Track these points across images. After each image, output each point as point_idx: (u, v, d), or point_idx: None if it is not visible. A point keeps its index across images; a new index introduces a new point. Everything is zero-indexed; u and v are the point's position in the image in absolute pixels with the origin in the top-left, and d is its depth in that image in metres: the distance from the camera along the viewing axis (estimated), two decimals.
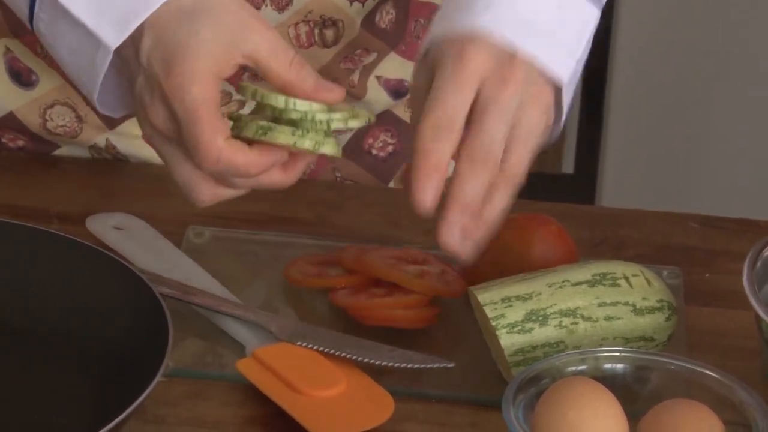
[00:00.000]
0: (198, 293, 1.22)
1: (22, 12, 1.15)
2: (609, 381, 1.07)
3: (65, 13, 1.12)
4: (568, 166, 3.09)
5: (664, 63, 3.00)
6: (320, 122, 1.10)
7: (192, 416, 1.13)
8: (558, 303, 1.15)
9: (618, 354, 1.12)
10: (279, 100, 1.10)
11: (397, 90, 1.46)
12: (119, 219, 1.31)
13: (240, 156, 1.08)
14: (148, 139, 1.14)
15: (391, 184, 1.50)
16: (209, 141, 1.07)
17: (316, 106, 1.10)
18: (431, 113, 1.09)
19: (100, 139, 1.43)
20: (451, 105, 1.10)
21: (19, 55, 1.40)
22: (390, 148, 1.49)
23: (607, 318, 1.15)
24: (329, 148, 1.11)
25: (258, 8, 1.36)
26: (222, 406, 1.14)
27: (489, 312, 1.14)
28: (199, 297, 1.22)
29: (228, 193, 1.13)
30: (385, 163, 1.50)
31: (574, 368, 1.10)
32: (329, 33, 1.37)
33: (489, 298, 1.15)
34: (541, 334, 1.15)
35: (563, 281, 1.16)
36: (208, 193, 1.12)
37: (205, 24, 1.09)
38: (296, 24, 1.38)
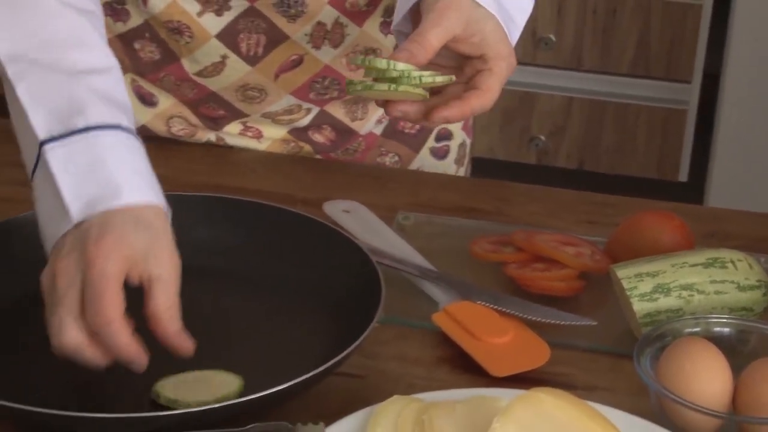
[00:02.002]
0: (404, 262, 1.22)
1: (28, 164, 1.08)
2: (717, 341, 1.06)
3: (53, 186, 1.04)
4: (683, 175, 3.05)
5: None
6: (414, 77, 1.10)
7: (397, 353, 1.12)
8: (679, 279, 1.13)
9: (725, 320, 1.10)
10: (382, 63, 1.10)
11: None
12: (347, 205, 1.31)
13: (124, 335, 0.98)
14: (42, 275, 1.02)
15: (421, 153, 1.47)
16: (113, 312, 0.98)
17: (410, 66, 1.09)
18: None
19: (211, 136, 1.44)
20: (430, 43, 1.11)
21: (143, 84, 1.41)
22: (417, 126, 1.47)
23: (717, 292, 1.13)
24: (418, 93, 1.10)
25: (318, 47, 1.35)
26: (420, 347, 1.14)
27: (625, 284, 1.13)
28: (405, 265, 1.21)
29: (87, 352, 0.99)
30: (414, 138, 1.47)
31: (690, 330, 1.09)
32: None
33: (626, 273, 1.14)
34: (665, 302, 1.13)
35: (683, 263, 1.14)
36: (71, 339, 0.99)
37: (141, 232, 1.01)
38: (347, 54, 1.37)
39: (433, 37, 1.11)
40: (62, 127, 1.05)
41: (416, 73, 1.10)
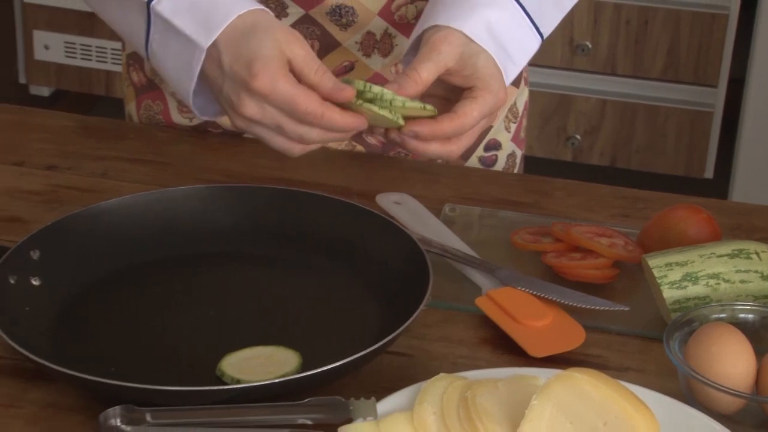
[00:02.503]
0: (450, 250, 1.21)
1: (139, 39, 1.16)
2: (742, 326, 1.05)
3: (172, 29, 1.12)
4: (709, 172, 3.04)
5: None
6: (386, 100, 1.09)
7: (443, 335, 1.12)
8: (706, 269, 1.12)
9: (749, 307, 1.09)
10: (359, 84, 1.09)
11: None
12: (398, 197, 1.30)
13: (336, 116, 1.08)
14: (236, 127, 1.13)
15: (469, 161, 1.45)
16: (314, 110, 1.07)
17: (386, 91, 1.09)
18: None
19: None
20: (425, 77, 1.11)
21: None
22: None
23: (742, 281, 1.12)
24: (386, 113, 1.09)
25: (368, 56, 1.35)
26: (464, 329, 1.13)
27: (656, 273, 1.12)
28: (450, 253, 1.21)
29: (310, 146, 1.12)
30: None
31: (716, 316, 1.08)
32: None
33: (657, 263, 1.13)
34: (693, 290, 1.12)
35: (710, 253, 1.13)
36: (298, 149, 1.11)
37: (264, 38, 1.09)
38: (396, 64, 1.36)
39: (424, 71, 1.10)
40: None
41: (389, 96, 1.09)
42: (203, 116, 1.19)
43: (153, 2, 1.12)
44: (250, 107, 1.09)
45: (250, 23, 1.10)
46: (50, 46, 3.24)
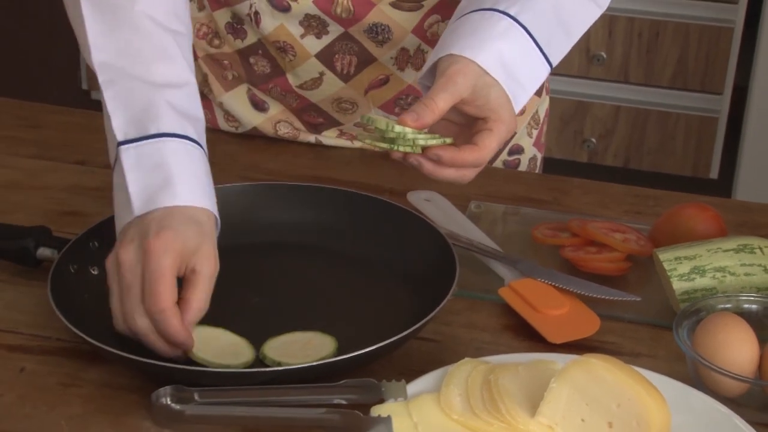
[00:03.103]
0: (475, 244, 1.20)
1: (110, 155, 1.07)
2: (746, 316, 1.04)
3: (123, 181, 1.03)
4: (714, 173, 3.03)
5: None
6: (409, 140, 1.05)
7: (468, 322, 1.11)
8: (713, 262, 1.11)
9: (753, 298, 1.07)
10: (381, 123, 1.05)
11: None
12: (428, 194, 1.29)
13: (176, 322, 0.97)
14: (106, 263, 1.01)
15: (494, 165, 1.43)
16: (165, 300, 0.97)
17: (408, 129, 1.05)
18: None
19: (311, 138, 1.42)
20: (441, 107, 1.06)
21: (256, 93, 1.40)
22: None
23: (747, 274, 1.11)
24: (409, 149, 1.05)
25: (402, 69, 1.33)
26: (487, 316, 1.12)
27: (666, 266, 1.11)
28: (476, 246, 1.20)
29: (150, 337, 0.99)
30: None
31: (722, 306, 1.06)
32: None
33: (667, 257, 1.12)
34: (701, 282, 1.11)
35: (717, 248, 1.12)
36: (141, 324, 0.98)
37: (192, 229, 1.00)
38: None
39: (441, 101, 1.07)
40: (137, 131, 1.05)
41: (411, 136, 1.05)
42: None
43: (122, 146, 1.04)
44: (129, 253, 0.99)
45: (188, 216, 1.01)
46: None
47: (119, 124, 1.05)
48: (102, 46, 1.09)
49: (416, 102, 1.08)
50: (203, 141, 1.09)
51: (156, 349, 0.99)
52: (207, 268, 1.00)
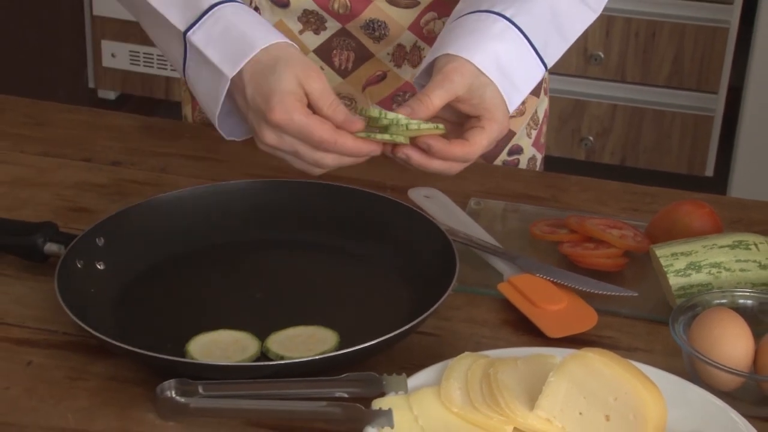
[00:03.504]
0: (475, 240, 1.20)
1: (178, 64, 1.15)
2: (741, 311, 1.03)
3: (203, 58, 1.11)
4: (709, 171, 3.02)
5: None
6: (402, 125, 1.07)
7: (468, 317, 1.11)
8: (709, 258, 1.11)
9: (748, 293, 1.07)
10: (374, 111, 1.08)
11: None
12: (428, 191, 1.29)
13: (349, 142, 1.07)
14: (263, 149, 1.11)
15: (495, 164, 1.43)
16: (328, 138, 1.06)
17: (400, 115, 1.08)
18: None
19: None
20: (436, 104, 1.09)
21: None
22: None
23: (742, 270, 1.11)
24: (401, 139, 1.08)
25: (399, 66, 1.33)
26: (487, 311, 1.12)
27: (663, 262, 1.11)
28: (475, 242, 1.20)
29: (344, 162, 1.10)
30: (489, 151, 1.39)
31: (718, 301, 1.06)
32: None
33: (663, 252, 1.12)
34: (697, 278, 1.11)
35: (713, 244, 1.12)
36: (330, 161, 1.09)
37: (283, 72, 1.08)
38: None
39: (436, 97, 1.08)
40: (193, 13, 1.12)
41: (404, 121, 1.07)
42: (230, 137, 1.17)
43: (188, 33, 1.12)
44: (269, 137, 1.08)
45: (273, 57, 1.09)
46: (116, 55, 3.26)
47: (176, 17, 1.13)
48: None
49: (412, 97, 1.08)
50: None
51: (354, 163, 1.10)
52: (312, 84, 1.08)
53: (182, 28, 1.12)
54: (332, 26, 1.31)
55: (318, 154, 1.08)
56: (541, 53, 1.16)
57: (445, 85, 1.08)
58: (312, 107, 1.08)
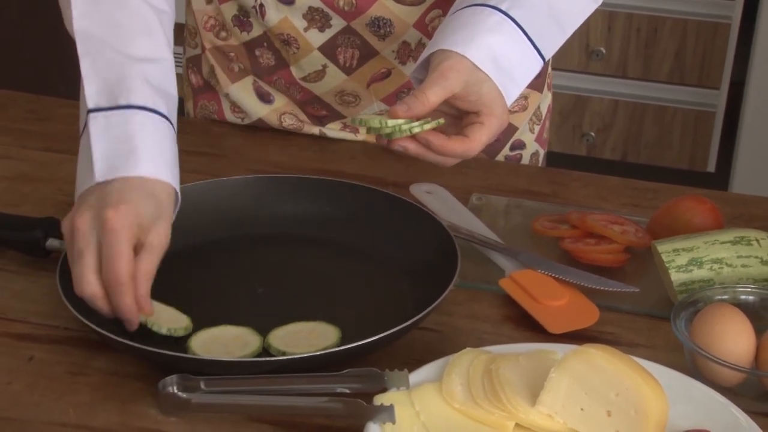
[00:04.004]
0: (477, 236, 1.20)
1: (80, 128, 1.07)
2: (743, 307, 1.03)
3: (88, 146, 1.03)
4: (711, 166, 3.02)
5: None
6: (405, 130, 1.06)
7: (470, 312, 1.11)
8: (710, 254, 1.11)
9: (749, 289, 1.07)
10: (374, 122, 1.06)
11: None
12: (429, 187, 1.29)
13: (128, 299, 0.97)
14: (64, 226, 1.01)
15: (496, 159, 1.43)
16: (123, 274, 0.97)
17: (401, 120, 1.06)
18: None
19: (315, 130, 1.41)
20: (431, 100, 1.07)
21: (262, 85, 1.40)
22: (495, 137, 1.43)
23: (743, 266, 1.10)
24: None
25: (404, 63, 1.33)
26: (488, 307, 1.12)
27: (664, 257, 1.11)
28: (477, 238, 1.19)
29: (98, 303, 0.98)
30: (492, 146, 1.42)
31: (719, 297, 1.06)
32: None
33: (665, 248, 1.12)
34: (698, 274, 1.10)
35: (714, 240, 1.12)
36: (90, 290, 0.98)
37: (150, 203, 1.00)
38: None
39: (432, 95, 1.07)
40: (108, 101, 1.05)
41: (406, 126, 1.06)
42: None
43: (91, 114, 1.04)
44: (85, 219, 0.98)
45: (151, 191, 1.01)
46: None
47: (92, 93, 1.05)
48: (85, 15, 1.10)
49: (408, 94, 1.08)
50: (174, 117, 1.09)
51: (100, 311, 0.99)
52: (157, 241, 0.99)
53: (90, 105, 1.05)
54: (337, 24, 1.31)
55: (91, 273, 0.97)
56: (538, 45, 1.15)
57: (441, 82, 1.08)
58: (138, 260, 0.98)
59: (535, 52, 1.15)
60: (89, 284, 0.98)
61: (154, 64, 1.08)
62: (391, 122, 1.06)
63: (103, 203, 0.99)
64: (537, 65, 1.16)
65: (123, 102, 1.04)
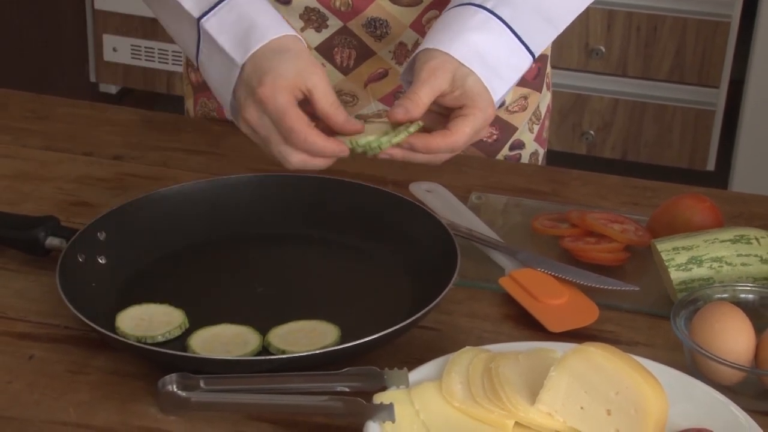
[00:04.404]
0: (476, 234, 1.20)
1: (191, 51, 1.16)
2: (742, 305, 1.03)
3: (216, 46, 1.12)
4: (710, 165, 3.02)
5: None
6: (374, 147, 1.08)
7: (469, 311, 1.11)
8: (710, 252, 1.11)
9: (749, 288, 1.07)
10: (346, 141, 1.08)
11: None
12: (429, 185, 1.29)
13: (319, 140, 1.07)
14: (242, 128, 1.11)
15: (498, 157, 1.43)
16: (299, 129, 1.06)
17: (370, 137, 1.08)
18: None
19: None
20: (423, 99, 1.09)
21: None
22: (494, 137, 1.42)
23: (743, 264, 1.10)
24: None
25: (400, 63, 1.33)
26: (488, 306, 1.12)
27: (664, 256, 1.11)
28: (476, 236, 1.19)
29: (310, 163, 1.09)
30: (491, 146, 1.42)
31: (719, 295, 1.06)
32: None
33: (665, 247, 1.12)
34: (698, 272, 1.10)
35: (714, 238, 1.12)
36: (296, 161, 1.08)
37: (286, 58, 1.09)
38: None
39: (425, 95, 1.09)
40: (208, 2, 1.13)
41: (375, 144, 1.08)
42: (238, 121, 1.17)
43: (202, 20, 1.13)
44: (251, 112, 1.08)
45: (283, 47, 1.10)
46: (118, 49, 3.25)
47: (191, 4, 1.14)
48: None
49: (401, 97, 1.08)
50: None
51: (322, 167, 1.09)
52: (316, 79, 1.08)
53: (196, 15, 1.13)
54: (334, 24, 1.31)
55: (285, 147, 1.08)
56: (526, 42, 1.16)
57: (431, 81, 1.09)
58: (313, 104, 1.08)
59: (524, 48, 1.16)
60: (291, 155, 1.07)
61: None
62: (362, 141, 1.08)
63: (250, 89, 1.08)
64: (526, 61, 1.16)
65: None
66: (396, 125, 1.10)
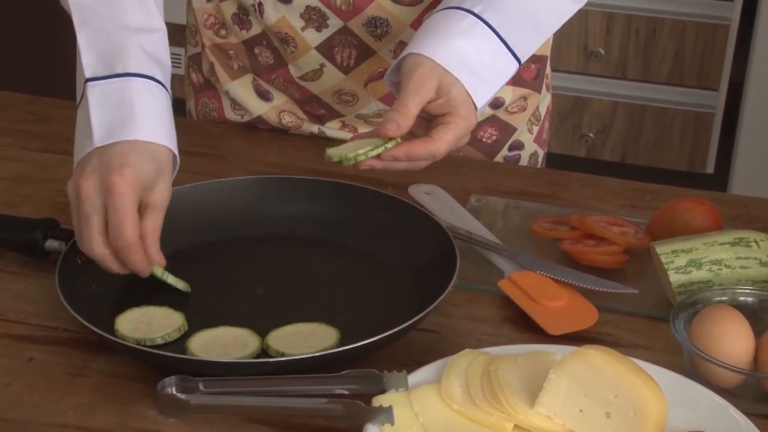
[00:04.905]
0: (476, 237, 1.20)
1: (78, 98, 1.09)
2: (742, 308, 1.03)
3: (87, 114, 1.06)
4: (710, 168, 3.02)
5: None
6: (350, 158, 1.07)
7: (468, 313, 1.11)
8: (709, 255, 1.11)
9: (748, 291, 1.07)
10: (327, 152, 1.08)
11: (494, 104, 1.40)
12: (429, 188, 1.29)
13: (139, 255, 1.02)
14: (69, 189, 1.03)
15: (495, 160, 1.43)
16: (131, 235, 1.01)
17: (343, 150, 1.08)
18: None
19: (314, 128, 1.41)
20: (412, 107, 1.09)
21: (261, 83, 1.40)
22: (494, 138, 1.42)
23: (742, 267, 1.10)
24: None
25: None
26: (487, 308, 1.12)
27: (663, 259, 1.11)
28: (476, 239, 1.19)
29: (107, 262, 1.03)
30: (490, 147, 1.43)
31: (718, 298, 1.06)
32: None
33: (664, 250, 1.12)
34: (697, 275, 1.10)
35: (713, 241, 1.12)
36: (98, 252, 1.02)
37: (149, 164, 1.02)
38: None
39: (413, 106, 1.09)
40: (105, 70, 1.07)
41: (351, 155, 1.07)
42: None
43: (88, 83, 1.06)
44: (91, 185, 1.01)
45: (149, 151, 1.03)
46: None
47: (89, 62, 1.08)
48: None
49: (390, 111, 1.09)
50: (168, 85, 1.11)
51: (110, 270, 1.04)
52: (162, 201, 1.04)
53: (88, 75, 1.07)
54: (334, 23, 1.31)
55: (98, 236, 1.01)
56: (512, 47, 1.16)
57: (420, 91, 1.09)
58: (142, 218, 1.02)
59: (510, 54, 1.16)
60: (99, 246, 1.02)
61: (149, 34, 1.11)
62: (335, 153, 1.07)
63: (106, 167, 1.01)
64: (512, 67, 1.17)
65: (120, 70, 1.07)
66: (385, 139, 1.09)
